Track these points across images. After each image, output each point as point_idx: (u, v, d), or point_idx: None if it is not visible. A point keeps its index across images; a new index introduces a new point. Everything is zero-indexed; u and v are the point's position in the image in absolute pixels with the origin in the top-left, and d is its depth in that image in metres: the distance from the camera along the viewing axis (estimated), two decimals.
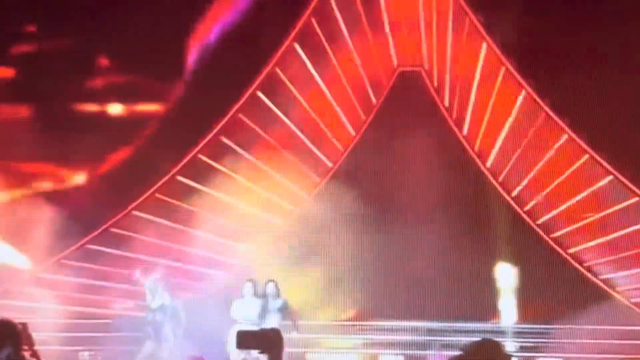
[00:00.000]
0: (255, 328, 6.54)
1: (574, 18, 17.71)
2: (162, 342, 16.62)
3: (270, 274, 16.74)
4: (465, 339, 16.08)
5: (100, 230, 18.47)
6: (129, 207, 18.53)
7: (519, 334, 17.88)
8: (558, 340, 17.52)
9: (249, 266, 18.06)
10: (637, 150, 17.62)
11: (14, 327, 7.99)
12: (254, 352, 6.88)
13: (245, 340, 6.83)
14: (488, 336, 7.25)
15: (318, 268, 17.54)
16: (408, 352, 17.69)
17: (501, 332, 17.78)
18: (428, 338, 17.81)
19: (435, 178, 17.94)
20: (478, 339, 6.76)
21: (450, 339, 17.65)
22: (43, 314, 17.07)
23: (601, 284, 18.02)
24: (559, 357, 17.67)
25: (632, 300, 17.93)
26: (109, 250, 18.41)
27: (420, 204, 17.82)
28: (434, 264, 17.60)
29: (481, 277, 17.97)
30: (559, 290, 17.85)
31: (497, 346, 6.74)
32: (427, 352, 17.50)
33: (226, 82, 18.48)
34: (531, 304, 17.95)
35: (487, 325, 17.80)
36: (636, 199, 17.88)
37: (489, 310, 18.08)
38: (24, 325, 8.06)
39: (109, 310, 18.35)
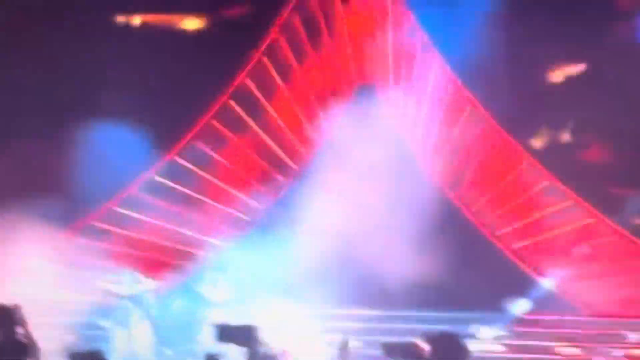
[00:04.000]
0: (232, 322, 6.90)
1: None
2: (130, 329, 17.35)
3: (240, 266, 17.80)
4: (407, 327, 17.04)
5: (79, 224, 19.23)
6: (109, 202, 19.37)
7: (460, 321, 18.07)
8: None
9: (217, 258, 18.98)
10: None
11: (7, 312, 8.48)
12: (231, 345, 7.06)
13: (223, 334, 7.13)
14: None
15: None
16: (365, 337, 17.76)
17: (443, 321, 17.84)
18: (383, 325, 18.39)
19: (388, 178, 18.67)
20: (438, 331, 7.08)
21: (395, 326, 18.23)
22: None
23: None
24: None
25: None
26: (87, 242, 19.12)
27: (374, 203, 18.58)
28: (385, 256, 18.08)
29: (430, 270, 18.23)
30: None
31: (457, 340, 7.16)
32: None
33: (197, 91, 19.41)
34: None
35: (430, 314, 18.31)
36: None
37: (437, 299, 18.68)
38: (17, 307, 8.58)
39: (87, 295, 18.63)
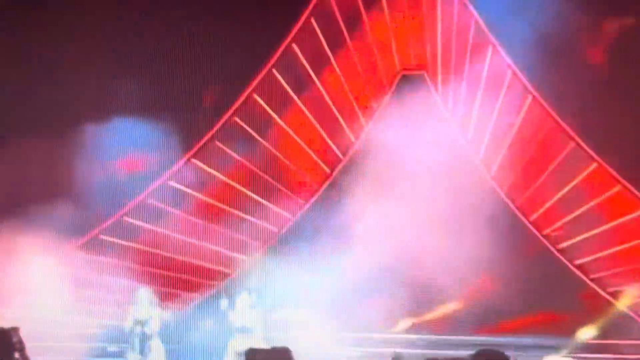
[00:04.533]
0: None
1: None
2: (146, 355, 16.67)
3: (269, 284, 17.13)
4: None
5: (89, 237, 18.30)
6: (120, 213, 18.34)
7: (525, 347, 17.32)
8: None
9: (245, 275, 18.05)
10: None
11: (4, 335, 8.23)
12: None
13: (256, 357, 7.00)
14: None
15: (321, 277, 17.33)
16: None
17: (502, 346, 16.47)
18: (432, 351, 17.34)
19: (437, 183, 17.70)
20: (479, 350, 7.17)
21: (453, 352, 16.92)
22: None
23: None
24: None
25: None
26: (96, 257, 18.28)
27: (422, 210, 17.54)
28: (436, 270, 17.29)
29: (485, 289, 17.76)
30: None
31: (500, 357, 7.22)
32: None
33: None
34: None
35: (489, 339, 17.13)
36: None
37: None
38: (15, 329, 8.30)
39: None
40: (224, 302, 16.95)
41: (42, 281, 17.22)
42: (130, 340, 16.79)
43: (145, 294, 16.87)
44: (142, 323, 16.72)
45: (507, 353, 16.88)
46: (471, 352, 16.62)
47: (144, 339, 16.67)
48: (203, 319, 17.44)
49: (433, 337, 17.68)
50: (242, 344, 15.45)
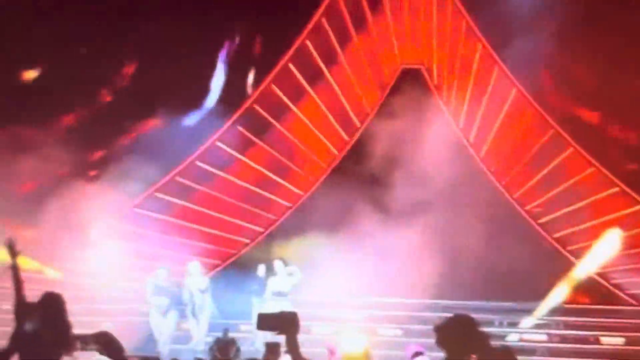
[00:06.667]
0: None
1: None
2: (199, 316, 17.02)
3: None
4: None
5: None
6: (153, 189, 19.14)
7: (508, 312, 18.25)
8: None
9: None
10: None
11: (50, 299, 8.19)
12: (272, 334, 6.55)
13: (264, 322, 6.68)
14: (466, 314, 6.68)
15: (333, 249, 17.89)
16: (405, 326, 17.94)
17: (492, 310, 18.10)
18: (425, 314, 17.64)
19: (434, 167, 18.31)
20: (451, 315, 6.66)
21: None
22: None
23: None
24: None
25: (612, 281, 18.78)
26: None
27: (420, 192, 18.17)
28: (431, 247, 17.84)
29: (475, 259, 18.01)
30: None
31: (471, 322, 6.67)
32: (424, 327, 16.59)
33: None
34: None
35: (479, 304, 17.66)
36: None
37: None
38: (60, 295, 8.19)
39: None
40: (261, 268, 17.14)
41: (100, 238, 17.42)
42: (185, 302, 16.92)
43: (196, 267, 17.01)
44: (194, 289, 16.86)
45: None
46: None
47: (198, 301, 16.87)
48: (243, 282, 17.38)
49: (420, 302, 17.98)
50: (274, 308, 15.01)
